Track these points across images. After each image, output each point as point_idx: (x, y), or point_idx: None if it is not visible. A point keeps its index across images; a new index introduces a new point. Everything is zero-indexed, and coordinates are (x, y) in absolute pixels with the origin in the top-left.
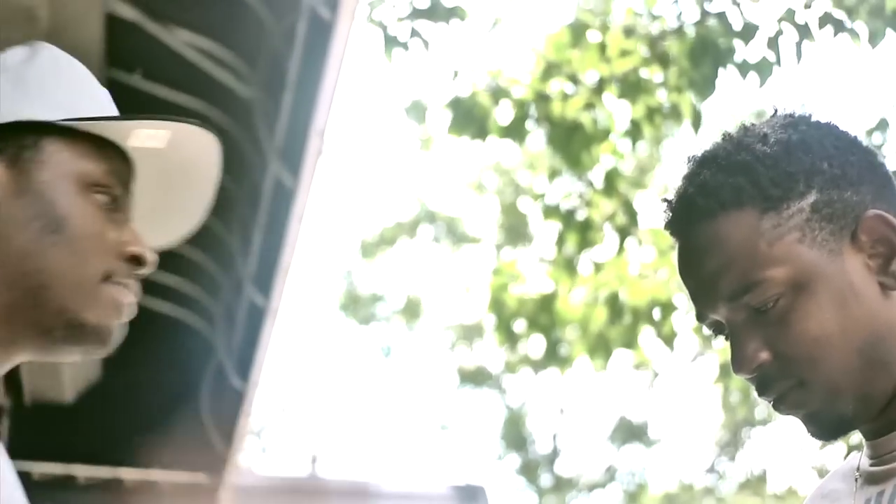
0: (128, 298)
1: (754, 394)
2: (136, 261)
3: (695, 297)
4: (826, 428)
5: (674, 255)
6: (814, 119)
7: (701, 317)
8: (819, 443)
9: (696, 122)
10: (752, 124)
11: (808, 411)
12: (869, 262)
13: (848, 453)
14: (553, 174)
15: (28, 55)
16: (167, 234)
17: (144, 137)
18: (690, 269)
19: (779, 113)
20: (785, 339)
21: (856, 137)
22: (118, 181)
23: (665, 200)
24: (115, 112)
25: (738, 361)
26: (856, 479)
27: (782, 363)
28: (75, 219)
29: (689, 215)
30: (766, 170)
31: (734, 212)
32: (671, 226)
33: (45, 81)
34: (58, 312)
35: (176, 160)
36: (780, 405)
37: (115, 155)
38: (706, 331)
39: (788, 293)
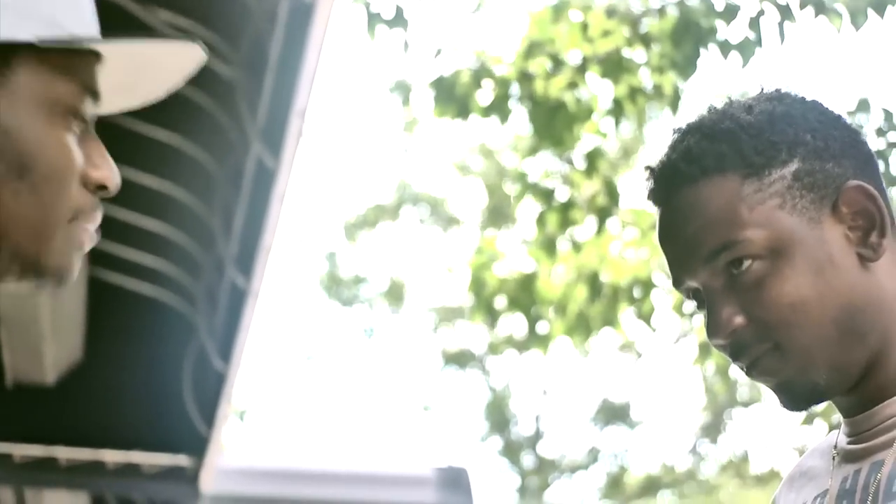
0: (90, 237)
1: (734, 374)
2: (103, 188)
3: (673, 262)
4: (797, 397)
5: (655, 225)
6: (798, 95)
7: (678, 282)
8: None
9: (676, 102)
10: (737, 98)
11: (780, 379)
12: (848, 233)
13: (829, 434)
14: (532, 152)
15: None
16: (122, 104)
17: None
18: (671, 233)
19: (764, 90)
20: (761, 303)
21: (839, 115)
22: (90, 96)
23: (648, 168)
24: (91, 8)
25: (714, 326)
26: (833, 457)
27: (757, 327)
28: (47, 155)
29: (672, 181)
30: (750, 138)
31: (716, 177)
32: (654, 193)
33: None
34: (13, 257)
35: (148, 59)
36: (753, 371)
37: (86, 59)
38: (685, 305)
39: (766, 257)
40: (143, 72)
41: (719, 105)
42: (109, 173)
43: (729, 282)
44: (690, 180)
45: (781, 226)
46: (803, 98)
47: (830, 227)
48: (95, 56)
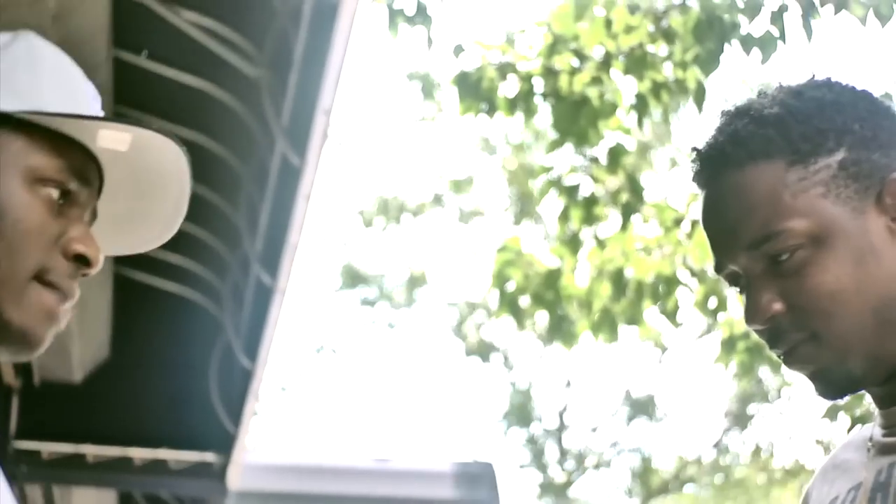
0: (59, 305)
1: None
2: (82, 260)
3: (715, 246)
4: (833, 386)
5: (699, 206)
6: (849, 84)
7: (719, 267)
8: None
9: (700, 97)
10: (789, 83)
11: (816, 367)
12: (892, 224)
13: (851, 427)
14: (553, 147)
15: (6, 42)
16: (136, 242)
17: (107, 139)
18: (714, 217)
19: (815, 77)
20: (800, 291)
21: (889, 106)
22: (75, 177)
23: (694, 150)
24: (95, 107)
25: (752, 311)
26: (868, 449)
27: (795, 315)
28: (15, 211)
29: (718, 164)
30: (798, 124)
31: (762, 162)
32: (699, 175)
33: (14, 69)
34: None
35: (143, 167)
36: (790, 359)
37: (77, 152)
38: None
39: (807, 245)
40: (140, 189)
41: (769, 89)
42: (90, 248)
43: (770, 267)
44: (736, 164)
45: (824, 215)
46: (854, 87)
47: (874, 217)
48: (85, 149)
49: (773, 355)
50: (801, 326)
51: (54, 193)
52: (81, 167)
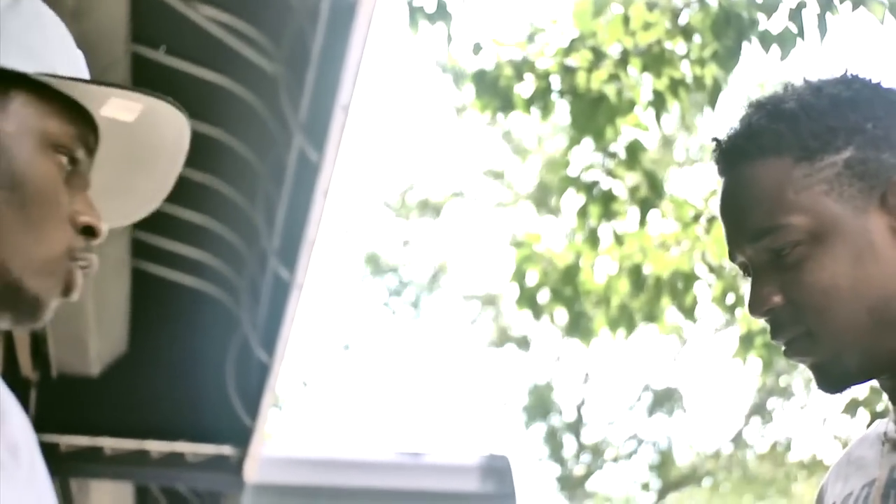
0: (79, 279)
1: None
2: (89, 232)
3: (727, 235)
4: (831, 379)
5: (717, 197)
6: (875, 82)
7: (731, 256)
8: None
9: (717, 94)
10: (814, 78)
11: (813, 361)
12: (895, 225)
13: (871, 422)
14: (572, 144)
15: (11, 2)
16: (119, 215)
17: (115, 108)
18: (725, 207)
19: (848, 73)
20: (797, 286)
21: None
22: (82, 146)
23: (715, 139)
24: (87, 76)
25: (752, 302)
26: (882, 444)
27: (793, 310)
28: (33, 177)
29: (732, 156)
30: (809, 121)
31: (771, 157)
32: (717, 164)
33: (26, 31)
34: None
35: (142, 138)
36: (789, 351)
37: (82, 120)
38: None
39: (807, 241)
40: (139, 153)
41: (795, 83)
42: (95, 219)
43: (773, 261)
44: (748, 157)
45: (825, 212)
46: (877, 85)
47: (876, 217)
48: (87, 117)
49: None
50: (798, 321)
51: (64, 161)
52: (87, 136)
